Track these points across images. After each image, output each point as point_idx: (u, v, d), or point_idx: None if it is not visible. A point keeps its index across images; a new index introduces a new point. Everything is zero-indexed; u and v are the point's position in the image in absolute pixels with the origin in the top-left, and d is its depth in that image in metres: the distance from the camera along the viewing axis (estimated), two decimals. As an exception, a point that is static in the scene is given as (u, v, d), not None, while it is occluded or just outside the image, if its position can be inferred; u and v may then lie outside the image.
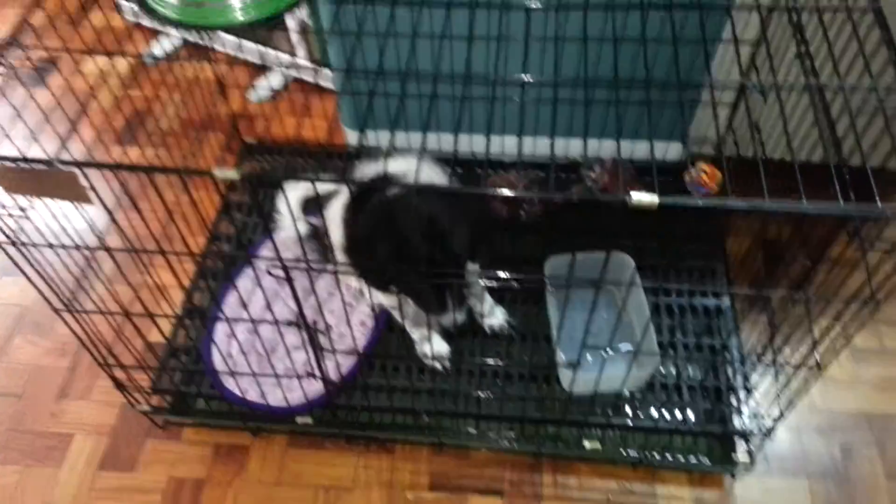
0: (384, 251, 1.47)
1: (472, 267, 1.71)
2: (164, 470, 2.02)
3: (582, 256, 2.06)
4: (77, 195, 1.13)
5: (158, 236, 1.38)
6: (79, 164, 1.07)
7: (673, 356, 2.03)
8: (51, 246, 1.33)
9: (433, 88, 1.44)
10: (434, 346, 1.99)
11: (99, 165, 1.09)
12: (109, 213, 1.27)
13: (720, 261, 2.23)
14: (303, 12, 2.58)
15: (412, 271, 1.44)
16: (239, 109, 2.75)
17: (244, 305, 1.70)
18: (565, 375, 1.94)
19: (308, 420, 1.93)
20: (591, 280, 1.22)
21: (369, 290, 2.03)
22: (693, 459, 1.89)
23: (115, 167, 1.08)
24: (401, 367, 2.03)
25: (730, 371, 2.00)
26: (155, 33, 3.00)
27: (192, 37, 2.78)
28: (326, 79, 2.76)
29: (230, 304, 2.13)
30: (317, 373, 1.69)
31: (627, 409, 1.95)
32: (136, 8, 2.95)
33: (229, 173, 1.04)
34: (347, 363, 1.99)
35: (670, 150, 2.46)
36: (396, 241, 1.46)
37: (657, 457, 1.90)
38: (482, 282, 1.89)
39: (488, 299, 2.05)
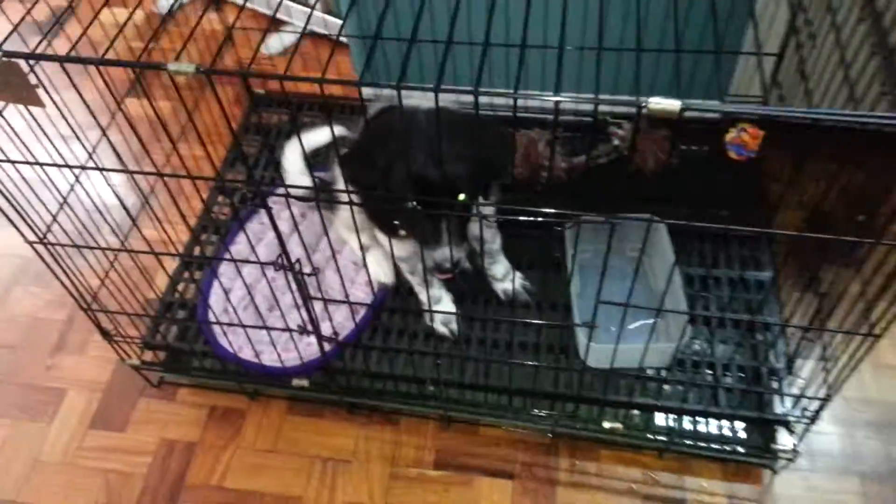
0: (385, 161, 1.33)
1: (487, 210, 1.55)
2: (155, 431, 1.92)
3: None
4: (27, 96, 1.01)
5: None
6: (26, 56, 0.95)
7: (705, 332, 1.84)
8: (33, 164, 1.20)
9: (450, 32, 1.27)
10: (442, 308, 1.84)
11: (47, 58, 0.97)
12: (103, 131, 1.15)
13: (759, 221, 2.01)
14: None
15: (409, 191, 1.31)
16: (248, 60, 2.62)
17: (250, 249, 1.58)
18: (581, 343, 1.77)
19: (304, 383, 1.81)
20: (608, 219, 1.04)
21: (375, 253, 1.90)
22: (727, 448, 1.70)
23: (66, 59, 0.95)
24: (405, 331, 1.88)
25: (770, 349, 1.80)
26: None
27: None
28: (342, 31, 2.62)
29: (232, 253, 2.01)
30: (308, 326, 1.56)
31: (652, 387, 1.77)
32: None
33: (183, 66, 0.91)
34: (346, 324, 1.86)
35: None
36: (398, 150, 1.33)
37: (686, 442, 1.72)
38: (492, 230, 1.74)
39: (503, 261, 1.89)
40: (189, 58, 2.60)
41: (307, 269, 1.44)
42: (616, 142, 2.12)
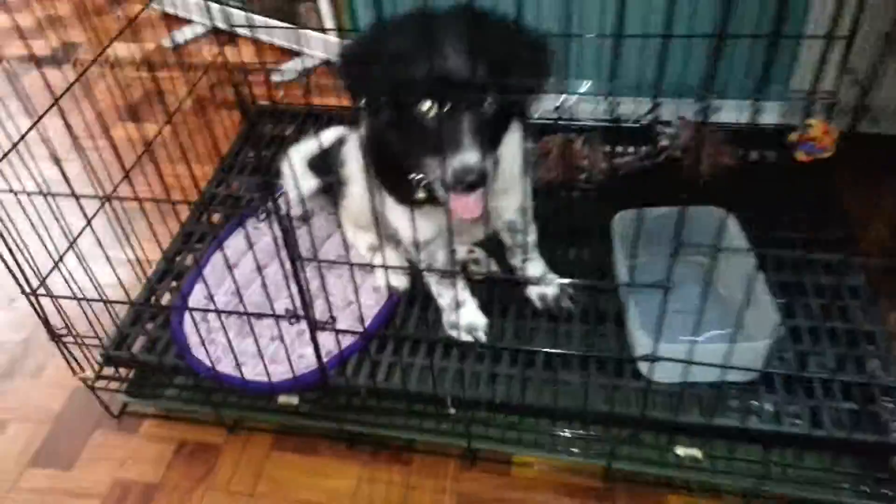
0: (397, 52, 1.07)
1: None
2: (107, 470, 1.54)
3: (659, 211, 1.60)
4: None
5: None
6: None
7: (792, 344, 1.48)
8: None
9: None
10: (466, 313, 1.51)
11: None
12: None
13: (843, 229, 1.69)
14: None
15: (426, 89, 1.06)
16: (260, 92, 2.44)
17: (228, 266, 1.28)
18: (643, 352, 1.42)
19: (294, 401, 1.45)
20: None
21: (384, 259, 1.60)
22: (835, 485, 1.31)
23: None
24: (421, 341, 1.54)
25: (876, 362, 1.43)
26: (180, 21, 2.82)
27: (219, 20, 2.55)
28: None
29: (215, 264, 1.71)
30: (300, 311, 1.23)
31: (733, 406, 1.39)
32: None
33: None
34: (349, 334, 1.52)
35: (766, 113, 1.99)
36: (414, 40, 1.08)
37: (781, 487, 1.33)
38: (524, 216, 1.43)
39: (539, 260, 1.58)
40: (197, 92, 2.46)
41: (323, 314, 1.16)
42: (665, 142, 1.85)
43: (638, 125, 1.96)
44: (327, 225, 1.78)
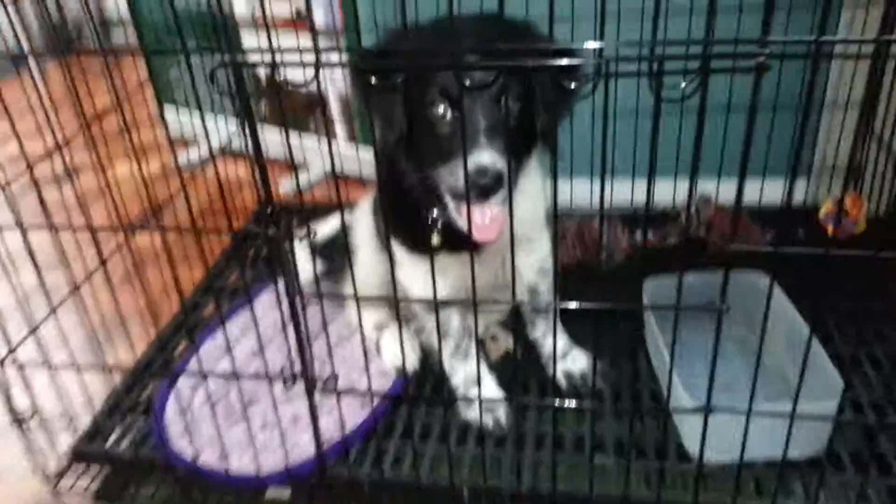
0: (417, 48, 0.99)
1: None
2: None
3: (696, 276, 1.48)
4: None
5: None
6: None
7: (855, 417, 1.30)
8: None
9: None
10: (484, 391, 1.34)
11: None
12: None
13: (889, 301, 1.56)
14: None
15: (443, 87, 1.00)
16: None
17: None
18: (688, 433, 1.24)
19: (285, 494, 1.25)
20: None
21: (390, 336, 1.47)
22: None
23: None
24: (433, 426, 1.36)
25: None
26: (189, 143, 2.85)
27: (234, 137, 2.57)
28: (367, 165, 2.43)
29: (208, 352, 1.56)
30: (297, 367, 1.08)
31: (796, 491, 1.19)
32: (179, 117, 2.84)
33: None
34: (354, 415, 1.35)
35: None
36: (436, 38, 1.04)
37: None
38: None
39: (561, 333, 1.43)
40: (199, 204, 2.43)
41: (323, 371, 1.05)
42: (687, 220, 1.77)
43: (655, 210, 1.89)
44: (330, 309, 1.65)
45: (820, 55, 0.84)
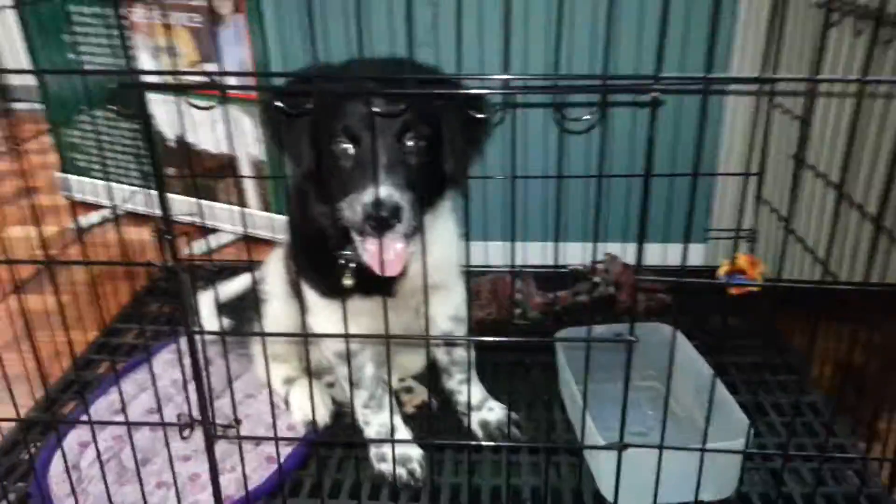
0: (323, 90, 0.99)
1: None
2: None
3: (604, 328, 1.51)
4: None
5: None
6: None
7: (763, 462, 1.33)
8: None
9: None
10: (398, 446, 1.29)
11: None
12: None
13: (785, 354, 1.64)
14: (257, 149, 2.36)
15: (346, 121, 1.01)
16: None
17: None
18: (602, 476, 1.22)
19: (179, 560, 1.14)
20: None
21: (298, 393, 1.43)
22: None
23: None
24: (344, 482, 1.29)
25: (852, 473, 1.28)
26: (89, 207, 2.75)
27: (135, 201, 2.50)
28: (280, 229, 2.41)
29: (100, 410, 1.45)
30: (195, 412, 1.01)
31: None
32: (80, 181, 2.75)
33: None
34: (258, 472, 1.26)
35: (690, 254, 1.99)
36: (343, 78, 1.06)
37: None
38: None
39: (477, 383, 1.42)
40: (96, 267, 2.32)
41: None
42: (597, 279, 1.82)
43: (566, 269, 1.94)
44: (236, 366, 1.58)
45: (709, 92, 0.91)
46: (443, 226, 1.22)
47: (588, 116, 0.90)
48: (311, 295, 1.22)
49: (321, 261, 1.16)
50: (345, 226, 1.07)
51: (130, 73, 0.91)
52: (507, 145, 0.94)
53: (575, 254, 1.87)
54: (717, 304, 1.82)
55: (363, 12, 0.88)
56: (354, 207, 1.00)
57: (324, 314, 1.22)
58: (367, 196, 0.95)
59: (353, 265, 1.13)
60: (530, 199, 1.96)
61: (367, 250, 1.04)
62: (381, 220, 0.96)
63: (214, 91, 0.87)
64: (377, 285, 1.13)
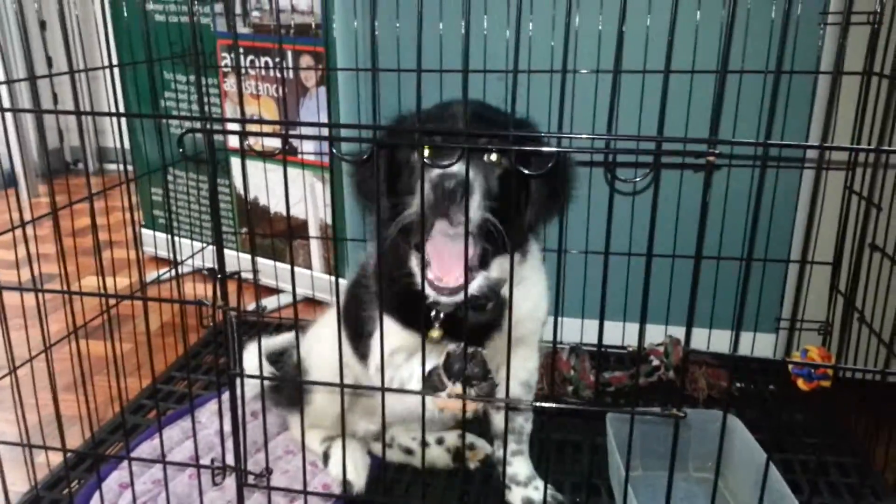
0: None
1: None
2: None
3: (656, 409, 1.42)
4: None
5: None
6: None
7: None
8: None
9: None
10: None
11: None
12: None
13: (851, 454, 1.51)
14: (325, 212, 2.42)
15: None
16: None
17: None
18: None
19: None
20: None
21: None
22: None
23: None
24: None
25: None
26: (161, 262, 2.86)
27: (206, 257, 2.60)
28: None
29: (142, 452, 1.46)
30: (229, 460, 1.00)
31: None
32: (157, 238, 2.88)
33: None
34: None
35: (758, 344, 1.89)
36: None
37: None
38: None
39: (526, 458, 1.35)
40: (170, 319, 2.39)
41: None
42: (655, 361, 1.74)
43: (625, 350, 1.88)
44: (280, 421, 1.57)
45: (767, 157, 0.88)
46: (536, 276, 1.19)
47: (638, 179, 0.88)
48: (389, 321, 1.13)
49: (406, 302, 1.13)
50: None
51: (202, 120, 0.97)
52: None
53: (633, 333, 1.81)
54: (784, 398, 1.72)
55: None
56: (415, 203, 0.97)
57: (397, 339, 1.15)
58: (433, 174, 0.93)
59: (442, 315, 1.10)
60: (589, 276, 1.91)
61: (430, 262, 1.01)
62: (446, 193, 0.91)
63: (294, 157, 0.91)
64: (473, 336, 1.07)
